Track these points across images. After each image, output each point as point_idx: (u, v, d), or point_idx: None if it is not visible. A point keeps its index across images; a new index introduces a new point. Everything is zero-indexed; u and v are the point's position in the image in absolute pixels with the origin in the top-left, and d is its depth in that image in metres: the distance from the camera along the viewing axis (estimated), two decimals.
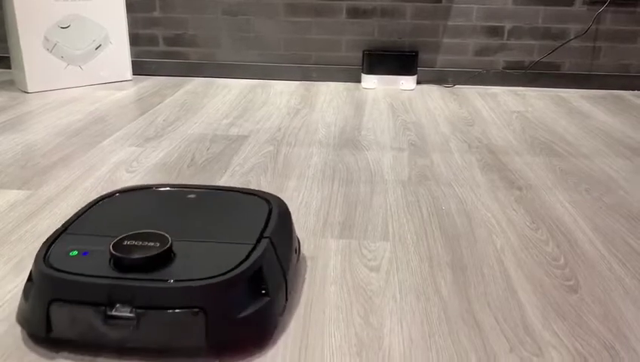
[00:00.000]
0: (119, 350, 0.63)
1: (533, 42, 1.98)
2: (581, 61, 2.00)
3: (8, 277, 0.78)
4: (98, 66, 1.92)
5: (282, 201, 0.79)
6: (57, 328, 0.61)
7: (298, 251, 0.79)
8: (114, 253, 0.62)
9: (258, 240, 0.67)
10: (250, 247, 0.66)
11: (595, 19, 1.94)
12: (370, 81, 1.99)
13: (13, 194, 1.04)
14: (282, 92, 1.89)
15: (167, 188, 0.81)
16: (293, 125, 1.51)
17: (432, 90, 1.96)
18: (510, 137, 1.44)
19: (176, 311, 0.59)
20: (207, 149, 1.30)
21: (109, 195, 0.79)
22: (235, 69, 2.07)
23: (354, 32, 2.01)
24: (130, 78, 2.00)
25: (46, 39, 1.79)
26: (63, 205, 1.00)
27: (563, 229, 0.95)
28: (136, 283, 0.60)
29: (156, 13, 2.03)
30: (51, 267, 0.62)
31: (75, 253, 0.64)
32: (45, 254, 0.65)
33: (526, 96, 1.89)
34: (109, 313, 0.59)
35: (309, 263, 0.82)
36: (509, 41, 1.99)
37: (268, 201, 0.77)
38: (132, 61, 2.04)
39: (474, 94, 1.91)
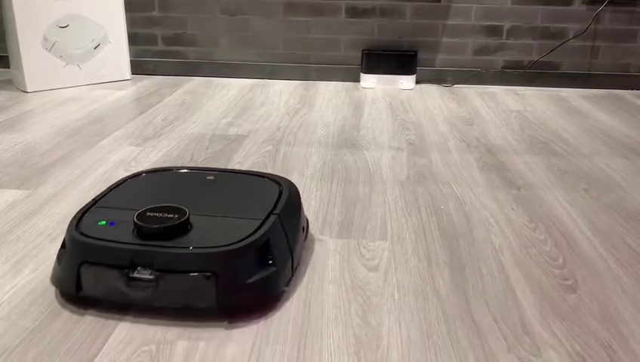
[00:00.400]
0: (140, 308, 0.70)
1: (532, 42, 1.98)
2: (580, 60, 2.00)
3: (7, 277, 0.78)
4: (97, 66, 1.92)
5: (292, 184, 0.85)
6: (86, 287, 0.70)
7: (306, 230, 0.85)
8: (137, 222, 0.70)
9: (267, 217, 0.74)
10: (259, 222, 0.73)
11: (593, 19, 1.94)
12: (369, 80, 1.99)
13: (12, 194, 1.04)
14: (281, 91, 1.89)
15: (188, 170, 0.89)
16: (292, 125, 1.51)
17: (431, 90, 1.96)
18: (509, 137, 1.45)
19: (191, 274, 0.66)
20: (206, 149, 1.30)
21: (136, 175, 0.88)
22: (234, 68, 2.07)
23: (353, 31, 2.01)
24: (129, 78, 2.00)
25: (45, 38, 1.79)
26: (62, 204, 1.00)
27: (561, 229, 0.95)
28: (156, 249, 0.68)
29: (155, 13, 2.03)
30: (82, 234, 0.71)
31: (104, 222, 0.73)
32: (77, 223, 0.73)
33: (525, 96, 1.90)
34: (131, 275, 0.67)
35: (316, 247, 0.82)
36: (508, 41, 1.99)
37: (279, 183, 0.85)
38: (131, 60, 2.04)
39: (473, 94, 1.91)
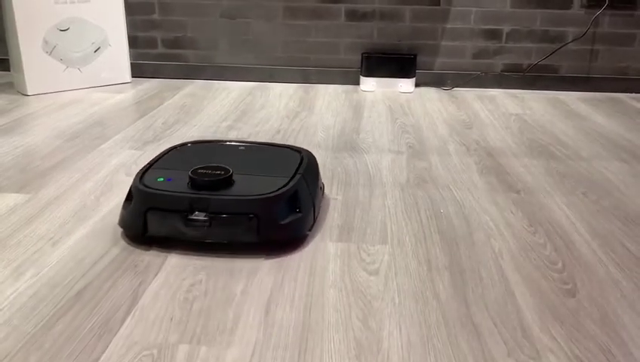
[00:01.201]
0: (196, 244, 0.87)
1: (531, 45, 1.99)
2: (579, 64, 2.01)
3: (8, 282, 0.78)
4: (97, 69, 1.92)
5: (310, 153, 1.03)
6: (151, 229, 0.87)
7: (322, 190, 1.05)
8: (192, 176, 0.88)
9: (294, 175, 0.92)
10: (288, 179, 0.91)
11: (592, 23, 1.95)
12: (368, 83, 2.00)
13: (13, 198, 1.04)
14: (281, 94, 1.89)
15: (223, 142, 1.09)
16: (292, 128, 1.52)
17: (431, 93, 1.97)
18: (508, 140, 1.45)
19: (238, 215, 0.85)
20: None
21: (182, 144, 1.07)
22: (234, 71, 2.08)
23: (353, 34, 2.02)
24: (129, 81, 2.01)
25: (45, 42, 1.79)
26: (63, 208, 1.00)
27: (561, 232, 0.95)
28: (210, 197, 0.85)
29: (155, 16, 2.04)
30: (146, 187, 0.88)
31: (162, 178, 0.91)
32: (140, 179, 0.91)
33: (524, 99, 1.90)
34: (189, 217, 0.84)
35: (316, 250, 0.83)
36: (507, 44, 1.99)
37: (299, 151, 1.03)
38: (131, 63, 2.04)
39: (472, 97, 1.92)
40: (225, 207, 0.85)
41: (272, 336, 0.68)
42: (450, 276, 0.81)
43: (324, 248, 0.88)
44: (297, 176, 0.92)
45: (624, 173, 1.23)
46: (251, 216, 0.84)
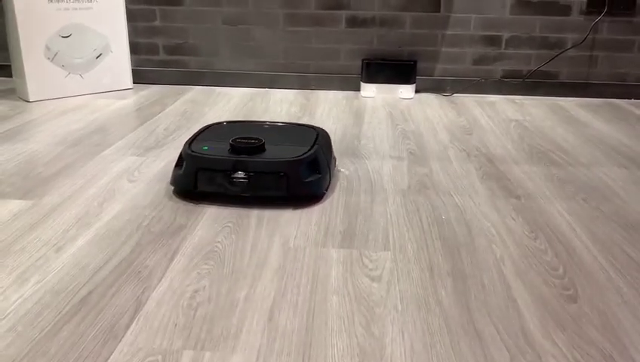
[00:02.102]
0: (237, 198, 1.07)
1: (530, 51, 2.00)
2: (578, 70, 2.02)
3: (13, 287, 0.78)
4: (99, 75, 1.93)
5: (323, 129, 1.25)
6: (200, 186, 1.07)
7: (335, 160, 1.26)
8: (232, 144, 1.09)
9: (312, 145, 1.13)
10: (308, 148, 1.12)
11: (591, 29, 1.96)
12: (369, 89, 2.01)
13: (16, 204, 1.05)
14: (282, 100, 1.90)
15: (252, 122, 1.32)
16: None
17: (431, 99, 1.98)
18: (508, 146, 1.46)
19: (271, 174, 1.05)
20: None
21: (219, 123, 1.29)
22: (235, 77, 2.09)
23: (353, 41, 2.03)
24: (130, 87, 2.01)
25: (47, 48, 1.80)
26: (67, 215, 1.01)
27: (561, 238, 0.96)
28: (248, 159, 1.06)
29: (157, 23, 2.05)
30: (195, 152, 1.09)
31: (206, 147, 1.12)
32: (189, 147, 1.11)
33: (524, 105, 1.91)
34: (232, 176, 1.05)
35: (318, 257, 0.83)
36: (506, 51, 2.01)
37: (315, 129, 1.24)
38: (132, 70, 2.05)
39: (472, 103, 1.93)
40: (261, 167, 1.05)
41: (276, 342, 0.68)
42: (452, 282, 0.82)
43: (326, 254, 0.89)
44: (316, 146, 1.13)
45: (624, 179, 1.24)
46: (282, 174, 1.05)
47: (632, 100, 2.01)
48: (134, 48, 2.07)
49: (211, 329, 0.70)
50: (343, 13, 2.00)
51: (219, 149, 1.10)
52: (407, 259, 0.88)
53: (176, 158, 1.15)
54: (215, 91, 2.02)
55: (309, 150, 1.10)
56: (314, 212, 1.03)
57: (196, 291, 0.78)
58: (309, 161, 1.08)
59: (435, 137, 1.52)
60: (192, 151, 1.09)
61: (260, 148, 1.09)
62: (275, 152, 1.09)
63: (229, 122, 1.30)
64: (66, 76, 1.86)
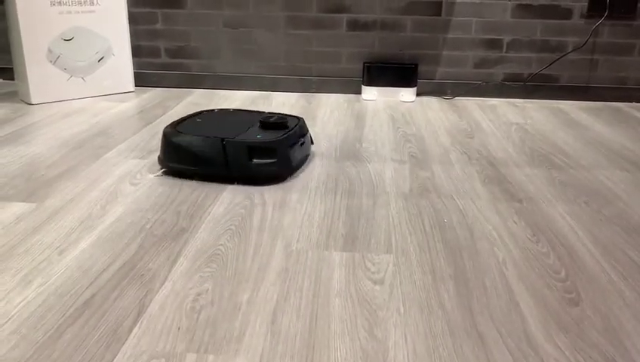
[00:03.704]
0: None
1: (531, 55, 2.00)
2: (579, 73, 2.02)
3: (17, 290, 0.79)
4: (101, 78, 1.93)
5: (302, 118, 1.39)
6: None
7: (311, 139, 1.42)
8: (262, 120, 1.28)
9: (298, 121, 1.32)
10: (297, 121, 1.33)
11: (592, 33, 1.96)
12: (370, 92, 2.01)
13: (19, 207, 1.05)
14: (283, 103, 1.90)
15: (244, 110, 1.45)
16: None
17: (432, 102, 1.98)
18: (510, 149, 1.46)
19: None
20: None
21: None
22: (236, 80, 2.09)
23: (354, 44, 2.03)
24: (132, 90, 2.02)
25: (49, 51, 1.80)
26: (69, 217, 1.01)
27: (563, 241, 0.96)
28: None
29: (158, 26, 2.05)
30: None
31: (260, 135, 1.26)
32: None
33: (525, 108, 1.91)
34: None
35: (321, 259, 0.84)
36: (507, 54, 2.01)
37: (298, 118, 1.36)
38: (134, 73, 2.06)
39: (473, 106, 1.93)
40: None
41: (279, 345, 0.68)
42: (454, 285, 0.82)
43: (328, 257, 0.89)
44: (301, 121, 1.34)
45: (626, 182, 1.24)
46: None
47: (633, 103, 2.02)
48: (136, 51, 2.08)
49: (214, 333, 0.71)
50: (344, 17, 2.00)
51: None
52: (410, 262, 0.88)
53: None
54: (217, 94, 2.02)
55: (299, 122, 1.32)
56: (316, 215, 1.03)
57: (199, 294, 0.79)
58: (300, 127, 1.30)
59: (436, 140, 1.53)
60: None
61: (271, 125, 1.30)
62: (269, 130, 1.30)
63: (221, 110, 1.45)
64: (68, 79, 1.86)
